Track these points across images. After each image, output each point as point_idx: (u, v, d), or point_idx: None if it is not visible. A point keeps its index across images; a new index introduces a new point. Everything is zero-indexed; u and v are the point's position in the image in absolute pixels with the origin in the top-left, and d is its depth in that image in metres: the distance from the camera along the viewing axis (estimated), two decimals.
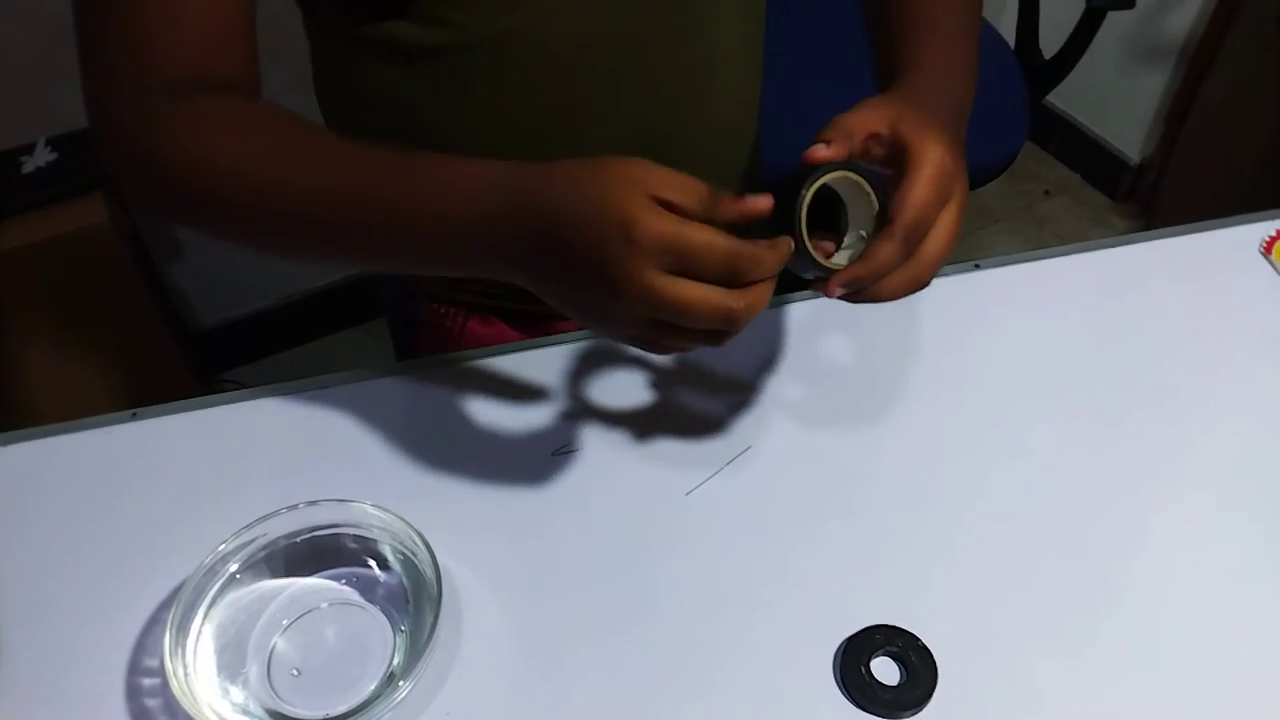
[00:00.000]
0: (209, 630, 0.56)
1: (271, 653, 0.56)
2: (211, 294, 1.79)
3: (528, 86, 0.67)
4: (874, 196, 0.53)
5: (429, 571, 0.56)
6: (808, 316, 0.77)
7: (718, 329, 0.49)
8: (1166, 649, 0.58)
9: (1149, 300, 0.79)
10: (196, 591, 0.56)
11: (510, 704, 0.55)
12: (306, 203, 0.55)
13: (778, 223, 0.51)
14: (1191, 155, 2.04)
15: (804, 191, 0.50)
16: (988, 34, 1.53)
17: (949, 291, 0.79)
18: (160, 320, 1.57)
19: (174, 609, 0.54)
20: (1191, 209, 2.00)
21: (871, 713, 0.55)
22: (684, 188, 0.48)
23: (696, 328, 0.49)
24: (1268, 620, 0.59)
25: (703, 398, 0.71)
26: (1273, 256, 0.82)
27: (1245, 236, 0.84)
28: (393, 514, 0.58)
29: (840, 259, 0.54)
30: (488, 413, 0.69)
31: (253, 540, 0.58)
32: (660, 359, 0.72)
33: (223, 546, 0.57)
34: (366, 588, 0.59)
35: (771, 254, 0.48)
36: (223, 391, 0.71)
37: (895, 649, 0.56)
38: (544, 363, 0.72)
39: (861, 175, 0.53)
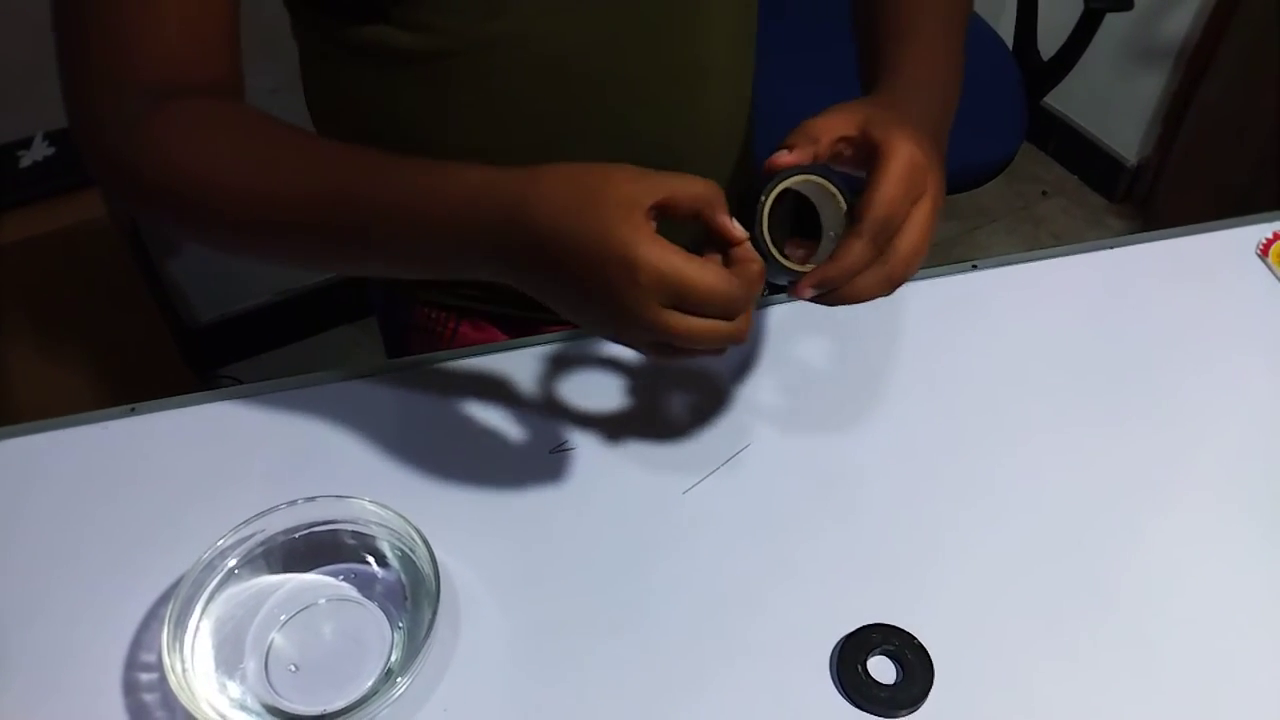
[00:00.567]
0: (207, 625, 0.56)
1: (269, 648, 0.56)
2: (209, 289, 1.79)
3: (514, 92, 0.67)
4: (842, 198, 0.53)
5: (427, 568, 0.56)
6: (805, 316, 0.77)
7: (721, 348, 0.52)
8: (1161, 647, 0.58)
9: (1146, 301, 0.80)
10: (194, 587, 0.56)
11: (507, 700, 0.55)
12: (284, 208, 0.54)
13: (748, 230, 0.51)
14: (1189, 157, 2.05)
15: (764, 197, 0.51)
16: (986, 35, 1.53)
17: (946, 291, 0.79)
18: (158, 316, 1.57)
19: (172, 604, 0.54)
20: (1188, 210, 2.01)
21: (868, 711, 0.55)
22: (679, 192, 0.48)
23: (699, 349, 0.51)
24: (1263, 619, 0.60)
25: (700, 396, 0.71)
26: (1269, 258, 0.83)
27: (1242, 238, 0.85)
28: (391, 510, 0.58)
29: (810, 267, 0.54)
30: (486, 411, 0.69)
31: (251, 536, 0.58)
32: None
33: (221, 542, 0.57)
34: (364, 584, 0.59)
35: (756, 274, 0.51)
36: (220, 387, 0.71)
37: (891, 648, 0.57)
38: (543, 362, 0.72)
39: (828, 179, 0.53)
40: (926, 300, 0.78)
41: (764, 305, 0.77)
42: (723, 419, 0.69)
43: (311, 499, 0.59)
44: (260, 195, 0.55)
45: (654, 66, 0.69)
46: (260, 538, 0.58)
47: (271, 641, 0.57)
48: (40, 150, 1.42)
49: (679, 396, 0.71)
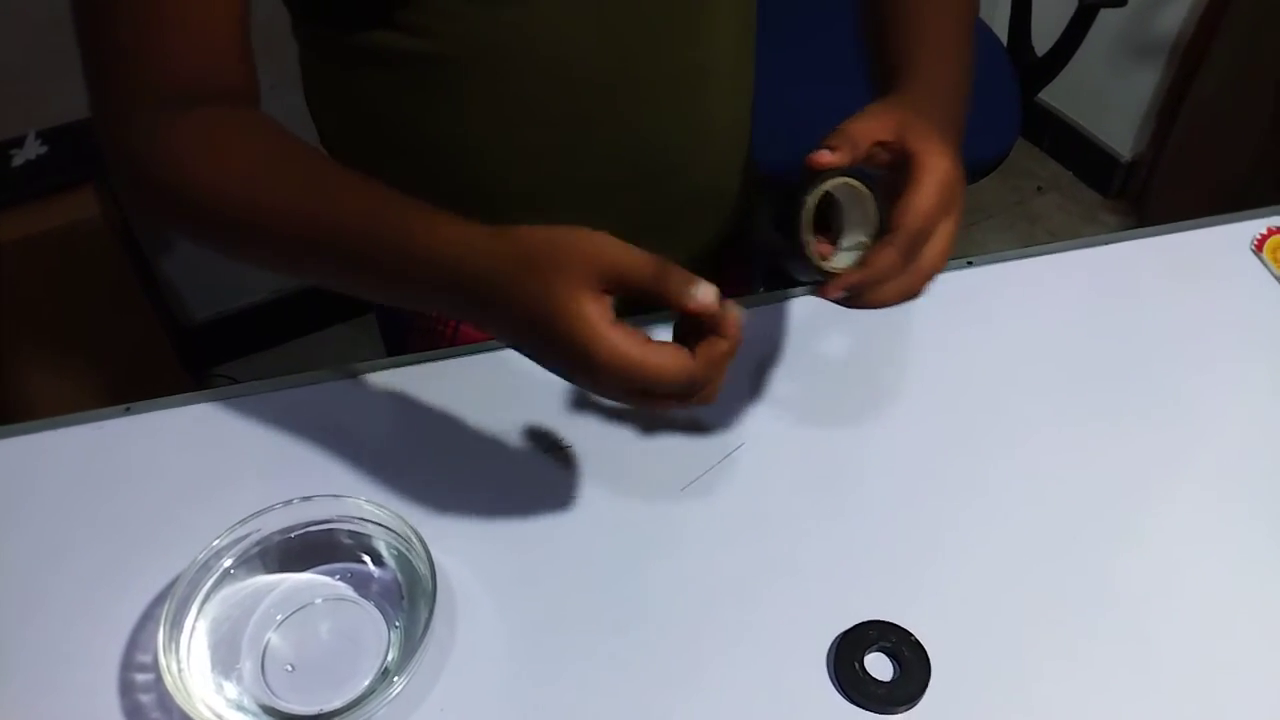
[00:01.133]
0: (203, 625, 0.55)
1: (266, 648, 0.56)
2: (203, 288, 1.78)
3: (517, 96, 0.67)
4: (876, 203, 0.53)
5: (423, 567, 0.56)
6: (802, 313, 0.77)
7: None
8: (1158, 644, 0.58)
9: (1141, 297, 0.80)
10: (190, 587, 0.55)
11: (504, 699, 0.55)
12: (281, 222, 0.55)
13: (780, 227, 0.51)
14: (1183, 153, 2.05)
15: (807, 197, 0.51)
16: (980, 31, 1.53)
17: (941, 288, 0.78)
18: (152, 314, 1.57)
19: (168, 604, 0.54)
20: (1183, 206, 2.01)
21: (865, 708, 0.55)
22: (632, 270, 0.48)
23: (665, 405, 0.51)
24: (1260, 615, 0.60)
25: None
26: (1264, 254, 0.83)
27: (1236, 234, 0.85)
28: (387, 510, 0.58)
29: (837, 262, 0.54)
30: (483, 409, 0.69)
31: (247, 535, 0.58)
32: None
33: (217, 542, 0.57)
34: (361, 583, 0.59)
35: (721, 354, 0.49)
36: (215, 386, 0.71)
37: (889, 645, 0.57)
38: None
39: (864, 182, 0.53)
40: (922, 297, 0.78)
41: (760, 304, 0.77)
42: (719, 417, 0.69)
43: (307, 498, 0.59)
44: (261, 208, 0.55)
45: (658, 68, 0.69)
46: (256, 537, 0.58)
47: (268, 641, 0.56)
48: (33, 149, 1.41)
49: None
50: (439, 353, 0.73)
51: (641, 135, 0.70)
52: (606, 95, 0.68)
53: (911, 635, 0.57)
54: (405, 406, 0.69)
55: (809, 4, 1.46)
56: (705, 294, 0.48)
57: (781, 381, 0.72)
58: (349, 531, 0.60)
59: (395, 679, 0.52)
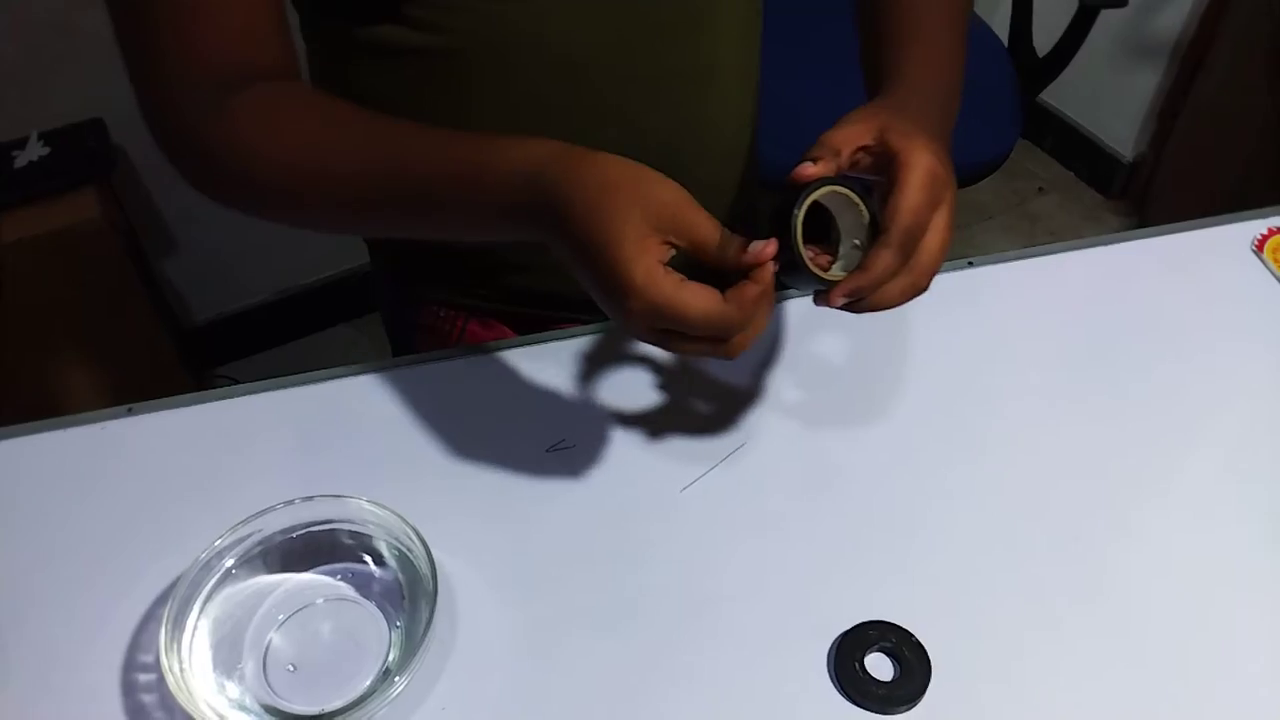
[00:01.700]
0: (204, 626, 0.56)
1: (267, 648, 0.56)
2: (205, 289, 1.79)
3: (523, 91, 0.67)
4: (864, 207, 0.54)
5: (424, 567, 0.56)
6: (802, 315, 0.77)
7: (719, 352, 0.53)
8: (1156, 643, 0.58)
9: (1142, 297, 0.80)
10: (192, 587, 0.56)
11: (506, 699, 0.55)
12: (349, 183, 0.58)
13: (776, 237, 0.51)
14: (1184, 153, 2.05)
15: (796, 211, 0.51)
16: (981, 32, 1.53)
17: (942, 288, 0.79)
18: (154, 315, 1.57)
19: (169, 604, 0.54)
20: (1184, 206, 2.01)
21: (865, 708, 0.55)
22: (700, 230, 0.50)
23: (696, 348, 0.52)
24: (1260, 615, 0.60)
25: (698, 394, 0.71)
26: (1265, 254, 0.83)
27: (1237, 234, 0.85)
28: (388, 510, 0.58)
29: (836, 270, 0.54)
30: (483, 409, 0.69)
31: (248, 536, 0.58)
32: (660, 354, 0.72)
33: (218, 542, 0.57)
34: (362, 583, 0.59)
35: (752, 297, 0.50)
36: (217, 387, 0.71)
37: (889, 645, 0.57)
38: (539, 359, 0.72)
39: (849, 187, 0.53)
40: (923, 297, 0.78)
41: None
42: (720, 417, 0.69)
43: (308, 499, 0.59)
44: (330, 172, 0.58)
45: (664, 65, 0.69)
46: (258, 538, 0.58)
47: (269, 641, 0.57)
48: (35, 150, 1.41)
49: (676, 395, 0.71)
50: (439, 353, 0.73)
51: (647, 131, 0.71)
52: (612, 91, 0.68)
53: (912, 635, 0.57)
54: (406, 407, 0.70)
55: (814, 1, 1.46)
56: (763, 247, 0.50)
57: (783, 382, 0.72)
58: (350, 531, 0.60)
59: (396, 679, 0.52)
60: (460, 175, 0.55)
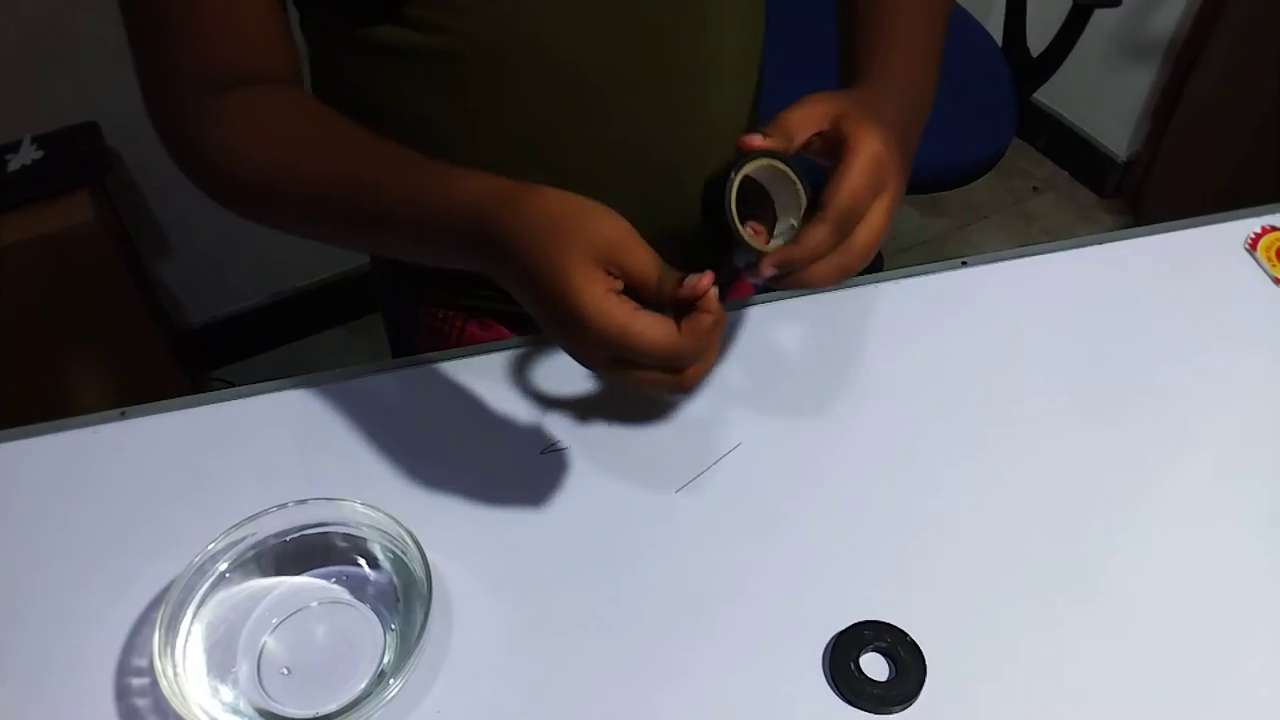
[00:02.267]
0: (198, 629, 0.55)
1: (261, 652, 0.56)
2: (200, 292, 1.78)
3: (523, 91, 0.67)
4: (800, 185, 0.54)
5: (419, 570, 0.56)
6: (798, 314, 0.77)
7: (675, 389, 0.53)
8: (1151, 642, 0.58)
9: (1136, 296, 0.80)
10: (186, 591, 0.55)
11: (500, 701, 0.55)
12: (321, 188, 0.59)
13: (708, 215, 0.52)
14: (1178, 152, 2.05)
15: (733, 174, 0.52)
16: (975, 31, 1.53)
17: (937, 288, 0.79)
18: (148, 318, 1.57)
19: (163, 608, 0.54)
20: (1178, 205, 2.02)
21: (861, 708, 0.55)
22: (638, 266, 0.50)
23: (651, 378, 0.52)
24: (1259, 615, 0.60)
25: (692, 396, 0.71)
26: (1258, 252, 0.83)
27: (1231, 233, 0.85)
28: (382, 512, 0.58)
29: (774, 247, 0.55)
30: (477, 411, 0.69)
31: (242, 539, 0.58)
32: None
33: (212, 545, 0.57)
34: (356, 586, 0.59)
35: (706, 327, 0.50)
36: (211, 390, 0.71)
37: (884, 644, 0.57)
38: (533, 361, 0.72)
39: (788, 165, 0.54)
40: (918, 297, 0.78)
41: (756, 303, 0.77)
42: (714, 418, 0.69)
43: (302, 502, 0.59)
44: (298, 177, 0.59)
45: (664, 66, 0.69)
46: (251, 541, 0.58)
47: (264, 645, 0.56)
48: (28, 154, 1.41)
49: (671, 396, 0.71)
50: (433, 355, 0.73)
51: (646, 132, 0.71)
52: (612, 91, 0.68)
53: (907, 635, 0.57)
54: (400, 409, 0.69)
55: (816, 2, 1.46)
56: (698, 280, 0.50)
57: (777, 382, 0.72)
58: (344, 535, 0.60)
59: (391, 681, 0.52)
60: (413, 199, 0.55)
